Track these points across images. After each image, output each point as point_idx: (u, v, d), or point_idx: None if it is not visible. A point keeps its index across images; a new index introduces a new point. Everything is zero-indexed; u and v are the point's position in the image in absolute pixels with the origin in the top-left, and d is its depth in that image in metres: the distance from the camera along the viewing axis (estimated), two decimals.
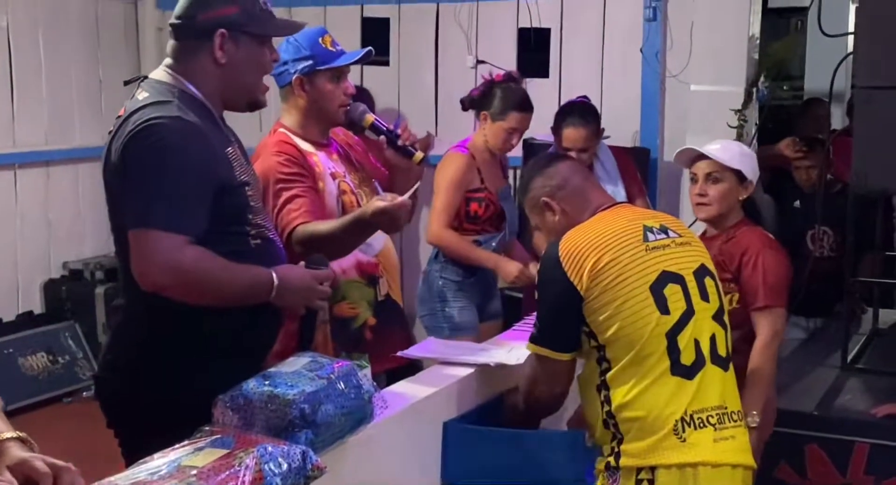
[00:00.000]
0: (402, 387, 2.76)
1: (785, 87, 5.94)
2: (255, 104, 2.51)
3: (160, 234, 2.23)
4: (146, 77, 2.44)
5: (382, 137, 3.05)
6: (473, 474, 2.73)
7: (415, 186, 2.82)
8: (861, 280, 4.20)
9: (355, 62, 3.10)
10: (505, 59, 5.51)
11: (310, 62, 3.02)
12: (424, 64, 5.81)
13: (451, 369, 2.90)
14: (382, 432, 2.46)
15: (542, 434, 2.76)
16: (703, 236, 3.22)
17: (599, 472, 2.58)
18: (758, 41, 4.83)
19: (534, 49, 5.53)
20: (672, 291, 2.57)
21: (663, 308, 2.54)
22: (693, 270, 2.64)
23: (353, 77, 5.61)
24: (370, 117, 3.07)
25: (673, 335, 2.53)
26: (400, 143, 3.01)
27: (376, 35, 5.85)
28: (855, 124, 3.79)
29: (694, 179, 3.33)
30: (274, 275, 2.36)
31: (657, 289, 2.55)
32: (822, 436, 3.47)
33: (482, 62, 5.57)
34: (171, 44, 2.45)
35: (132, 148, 2.27)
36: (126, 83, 2.47)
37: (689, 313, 2.58)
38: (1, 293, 5.84)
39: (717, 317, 2.65)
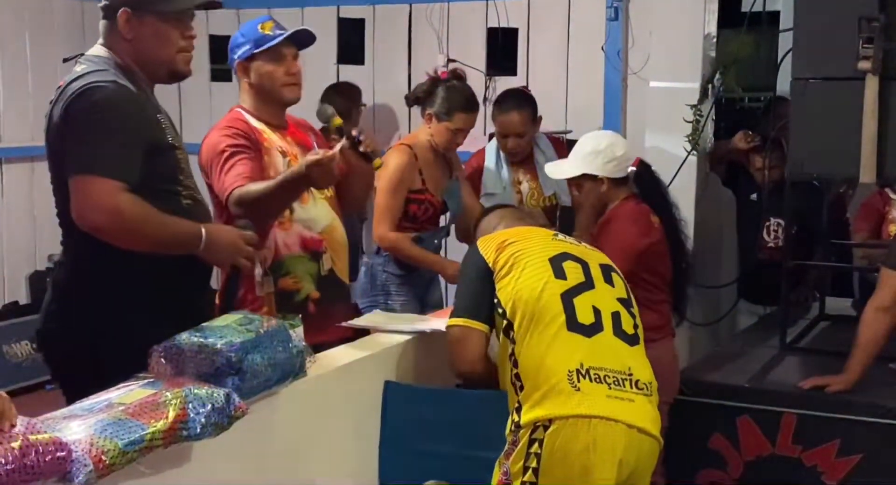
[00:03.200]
0: (341, 349, 2.95)
1: (760, 99, 6.05)
2: (175, 76, 2.71)
3: (100, 179, 2.43)
4: (83, 54, 2.65)
5: (346, 140, 3.24)
6: (412, 431, 2.89)
7: (340, 143, 3.02)
8: (798, 263, 4.35)
9: (294, 41, 3.27)
10: (474, 58, 5.67)
11: (247, 47, 3.24)
12: (397, 63, 5.97)
13: (390, 335, 3.08)
14: (318, 388, 2.65)
15: (481, 394, 2.87)
16: None
17: (507, 435, 2.64)
18: (714, 40, 4.97)
19: (502, 48, 5.68)
20: (571, 265, 2.77)
21: (559, 274, 2.73)
22: (599, 263, 2.85)
23: (329, 76, 5.89)
24: (338, 120, 3.26)
25: (569, 297, 2.68)
26: (361, 148, 3.18)
27: (352, 35, 6.03)
28: (791, 114, 3.98)
29: None
30: (202, 229, 2.56)
31: (556, 261, 2.77)
32: (754, 407, 3.61)
33: (453, 61, 5.71)
34: (101, 23, 2.69)
35: (74, 107, 2.48)
36: (65, 60, 2.69)
37: (587, 285, 2.74)
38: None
39: (624, 303, 2.79)
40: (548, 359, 2.59)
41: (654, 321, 3.45)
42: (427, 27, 5.86)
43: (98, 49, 2.65)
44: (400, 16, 5.94)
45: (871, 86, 3.67)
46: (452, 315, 2.82)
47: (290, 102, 3.32)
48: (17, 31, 6.05)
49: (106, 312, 2.53)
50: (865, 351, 3.48)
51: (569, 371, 2.57)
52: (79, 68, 2.57)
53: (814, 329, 4.51)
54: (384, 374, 2.93)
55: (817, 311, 4.75)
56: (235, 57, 3.26)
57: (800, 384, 3.60)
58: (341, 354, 2.88)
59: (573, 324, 2.64)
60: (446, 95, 4.07)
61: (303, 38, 3.30)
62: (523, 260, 2.76)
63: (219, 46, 6.31)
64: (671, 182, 4.49)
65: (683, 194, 4.53)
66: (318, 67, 5.74)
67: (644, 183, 3.67)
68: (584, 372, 2.57)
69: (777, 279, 4.35)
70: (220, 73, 6.34)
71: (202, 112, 6.00)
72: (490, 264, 2.79)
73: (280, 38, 3.23)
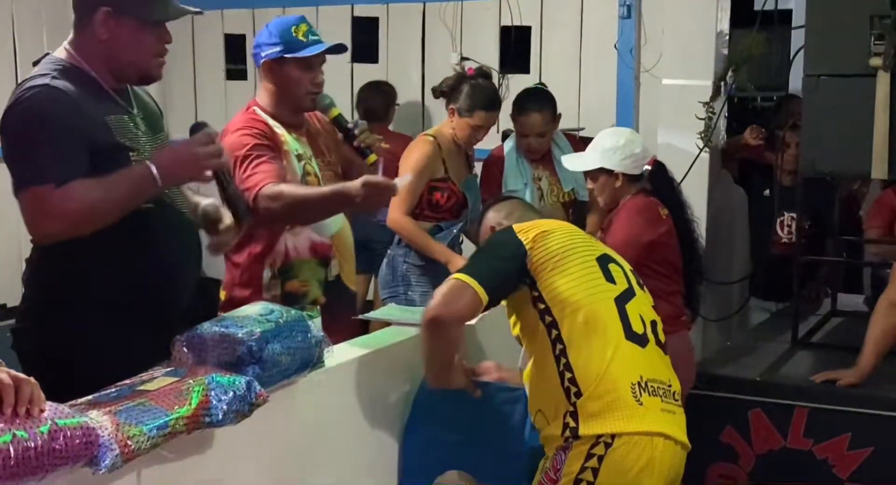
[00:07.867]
0: (358, 340, 3.00)
1: (773, 97, 6.06)
2: (145, 79, 2.62)
3: (33, 190, 2.37)
4: (48, 54, 2.58)
5: (341, 134, 3.26)
6: (435, 421, 2.91)
7: (406, 178, 3.00)
8: (810, 259, 4.37)
9: (325, 52, 3.21)
10: (488, 56, 5.69)
11: (278, 49, 3.15)
12: (411, 61, 6.01)
13: (405, 328, 3.12)
14: (335, 378, 2.69)
15: (505, 386, 2.86)
16: None
17: (550, 438, 2.56)
18: (726, 38, 4.99)
19: (515, 46, 5.71)
20: (615, 269, 2.71)
21: (608, 277, 2.65)
22: (629, 269, 2.80)
23: (344, 74, 5.92)
24: (335, 111, 3.22)
25: (621, 303, 2.61)
26: (355, 143, 3.17)
27: (366, 34, 6.06)
28: (803, 111, 4.01)
29: None
30: (149, 164, 2.45)
31: (602, 262, 2.69)
32: (765, 401, 3.65)
33: (466, 59, 5.76)
34: (73, 20, 2.58)
35: (4, 119, 2.45)
36: (34, 64, 2.59)
37: (631, 291, 2.69)
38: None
39: (655, 311, 2.78)
40: (611, 369, 2.52)
41: (668, 312, 3.42)
42: (440, 25, 5.90)
43: (60, 50, 2.56)
44: (413, 14, 5.97)
45: (883, 82, 3.70)
46: (462, 271, 2.60)
47: (309, 111, 3.29)
48: (34, 28, 6.10)
49: (71, 313, 2.51)
50: (877, 345, 3.51)
51: (632, 384, 2.52)
52: (32, 72, 2.50)
53: (825, 325, 4.54)
54: (399, 365, 2.96)
55: (829, 307, 4.78)
56: (263, 55, 3.18)
57: (811, 378, 3.63)
58: (357, 346, 2.91)
59: (629, 333, 2.58)
60: (470, 93, 4.17)
61: (335, 51, 3.24)
62: (569, 254, 2.64)
63: (233, 46, 6.40)
64: (683, 179, 4.52)
65: (696, 191, 4.57)
66: (332, 66, 5.63)
67: (658, 182, 3.72)
68: (643, 385, 2.53)
69: (789, 275, 4.39)
70: (235, 72, 6.39)
71: (217, 111, 6.04)
72: (525, 244, 2.63)
73: (317, 50, 3.16)
